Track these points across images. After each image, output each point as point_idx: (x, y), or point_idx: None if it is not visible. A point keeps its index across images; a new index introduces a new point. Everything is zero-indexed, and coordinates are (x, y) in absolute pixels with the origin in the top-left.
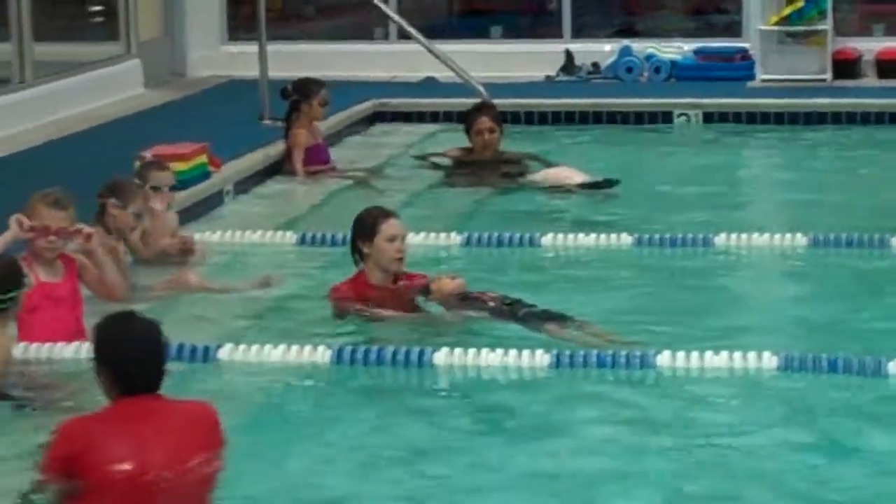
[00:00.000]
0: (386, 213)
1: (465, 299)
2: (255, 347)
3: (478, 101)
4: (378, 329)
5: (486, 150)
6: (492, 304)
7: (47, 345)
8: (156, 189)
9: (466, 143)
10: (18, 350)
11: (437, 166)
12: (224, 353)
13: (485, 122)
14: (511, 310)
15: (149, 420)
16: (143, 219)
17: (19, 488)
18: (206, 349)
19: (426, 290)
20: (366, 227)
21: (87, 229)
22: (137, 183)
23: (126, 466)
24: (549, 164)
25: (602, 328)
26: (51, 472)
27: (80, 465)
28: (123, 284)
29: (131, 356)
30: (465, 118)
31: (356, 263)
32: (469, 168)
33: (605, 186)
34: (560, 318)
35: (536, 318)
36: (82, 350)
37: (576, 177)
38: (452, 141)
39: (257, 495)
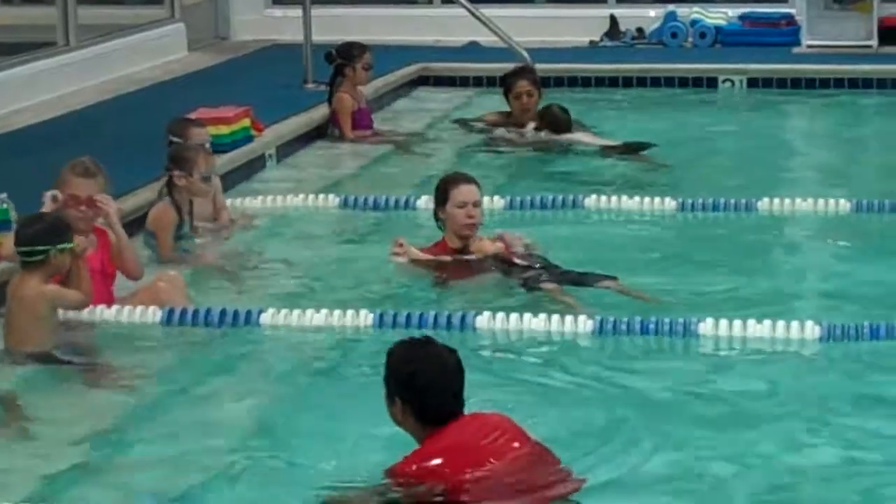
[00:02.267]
0: (456, 179)
1: (503, 262)
2: (296, 312)
3: (511, 68)
4: (425, 292)
5: (524, 114)
6: (526, 270)
7: (88, 309)
8: None
9: (499, 111)
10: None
11: (477, 131)
12: (266, 317)
13: (524, 85)
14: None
15: (478, 442)
16: (213, 180)
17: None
18: (249, 313)
19: (465, 251)
20: (439, 192)
21: (107, 200)
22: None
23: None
24: (582, 128)
25: (628, 286)
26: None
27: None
28: (139, 262)
29: (437, 385)
30: (503, 81)
31: (440, 229)
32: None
33: (642, 149)
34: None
35: (568, 280)
36: (123, 313)
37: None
38: (496, 105)
39: (299, 460)
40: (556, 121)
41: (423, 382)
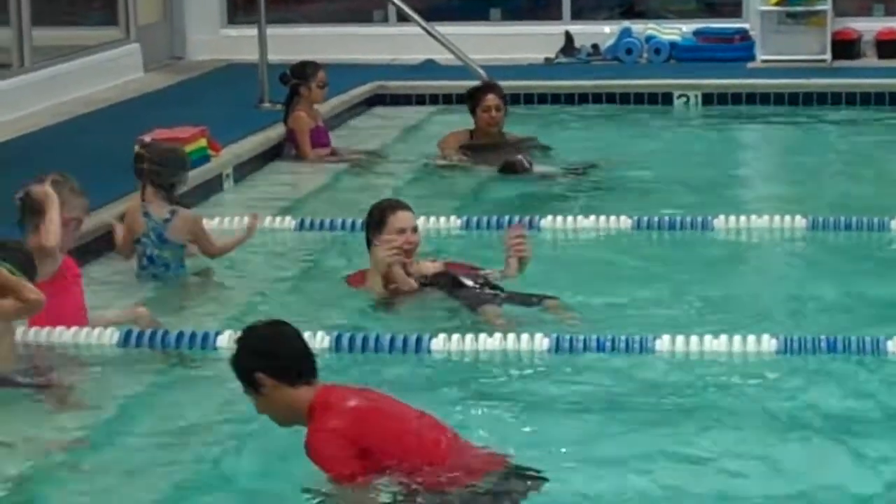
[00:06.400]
0: (394, 206)
1: (444, 282)
2: None
3: (478, 83)
4: (381, 315)
5: (490, 127)
6: (470, 287)
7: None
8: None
9: (460, 128)
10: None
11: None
12: (224, 339)
13: (492, 98)
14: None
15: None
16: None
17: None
18: (206, 336)
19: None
20: (375, 219)
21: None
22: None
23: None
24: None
25: (566, 310)
26: (349, 472)
27: (370, 447)
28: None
29: (292, 341)
30: (470, 97)
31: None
32: (473, 151)
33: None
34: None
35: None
36: (81, 335)
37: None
38: (454, 122)
39: (257, 484)
40: (516, 171)
41: (280, 340)
